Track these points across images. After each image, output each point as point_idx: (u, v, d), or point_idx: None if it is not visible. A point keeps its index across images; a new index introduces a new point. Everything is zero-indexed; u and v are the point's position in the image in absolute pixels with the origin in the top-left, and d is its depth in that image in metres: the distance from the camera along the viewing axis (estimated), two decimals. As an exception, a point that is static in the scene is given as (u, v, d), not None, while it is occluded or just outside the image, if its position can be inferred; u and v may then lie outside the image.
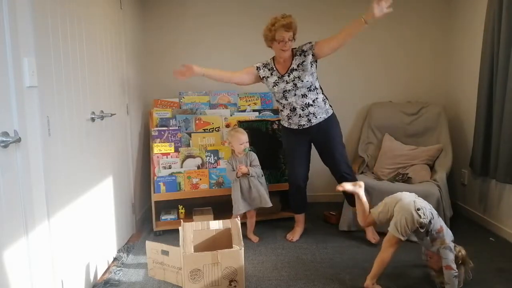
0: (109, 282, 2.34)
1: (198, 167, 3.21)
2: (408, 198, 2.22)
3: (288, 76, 2.73)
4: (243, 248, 2.21)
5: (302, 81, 2.68)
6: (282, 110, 2.86)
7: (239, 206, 2.87)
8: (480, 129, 3.08)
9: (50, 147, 1.77)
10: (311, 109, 2.74)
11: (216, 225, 2.43)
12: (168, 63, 3.67)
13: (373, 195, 2.97)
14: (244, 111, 3.58)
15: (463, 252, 2.22)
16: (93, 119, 2.26)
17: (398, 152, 3.41)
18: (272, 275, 2.44)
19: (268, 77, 2.81)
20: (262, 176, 2.97)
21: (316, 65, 2.72)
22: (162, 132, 3.28)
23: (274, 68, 2.79)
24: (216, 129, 3.41)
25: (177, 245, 2.33)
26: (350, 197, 2.95)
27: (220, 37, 3.69)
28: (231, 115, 3.50)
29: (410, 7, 3.73)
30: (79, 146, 2.10)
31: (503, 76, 2.78)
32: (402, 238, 2.14)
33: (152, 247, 2.40)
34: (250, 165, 2.91)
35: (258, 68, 2.84)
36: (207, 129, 3.41)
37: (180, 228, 2.32)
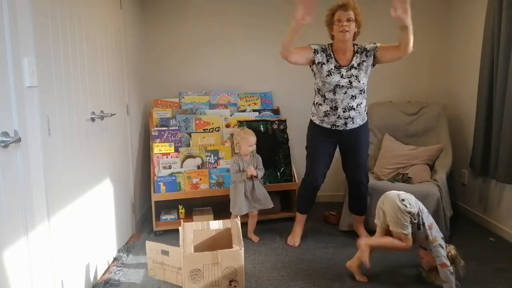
0: (109, 282, 2.34)
1: (198, 167, 3.21)
2: (392, 193, 2.29)
3: (346, 71, 2.57)
4: (243, 248, 2.21)
5: (359, 81, 2.56)
6: (320, 105, 2.68)
7: (242, 207, 2.88)
8: (480, 129, 3.08)
9: (50, 147, 1.77)
10: (352, 113, 2.61)
11: (216, 225, 2.43)
12: (168, 63, 3.67)
13: (373, 195, 2.97)
14: (244, 111, 3.58)
15: (453, 251, 2.24)
16: (93, 119, 2.26)
17: (398, 152, 3.41)
18: (272, 275, 2.44)
19: (323, 63, 2.59)
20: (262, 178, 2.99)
21: (373, 69, 2.63)
22: (162, 132, 3.28)
23: (332, 56, 2.60)
24: (216, 129, 3.41)
25: (177, 245, 2.33)
26: (352, 203, 2.96)
27: (220, 37, 3.69)
28: (231, 115, 3.50)
29: (410, 6, 3.72)
30: (79, 146, 2.10)
31: (503, 76, 2.79)
32: (405, 232, 2.16)
33: (152, 247, 2.40)
34: (256, 168, 2.92)
35: (315, 52, 2.59)
36: (207, 129, 3.41)
37: (180, 228, 2.33)
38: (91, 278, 2.27)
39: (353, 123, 2.66)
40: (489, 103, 2.99)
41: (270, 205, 2.95)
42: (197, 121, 3.40)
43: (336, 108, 2.62)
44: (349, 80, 2.57)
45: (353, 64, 2.59)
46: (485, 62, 3.01)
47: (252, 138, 2.90)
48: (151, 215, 3.14)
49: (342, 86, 2.57)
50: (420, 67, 3.82)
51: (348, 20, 2.49)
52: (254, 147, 2.93)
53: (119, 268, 2.52)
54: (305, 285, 2.33)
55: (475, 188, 3.35)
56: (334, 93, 2.59)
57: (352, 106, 2.61)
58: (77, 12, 2.09)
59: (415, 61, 3.81)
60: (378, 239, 2.30)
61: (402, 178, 3.19)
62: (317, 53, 2.61)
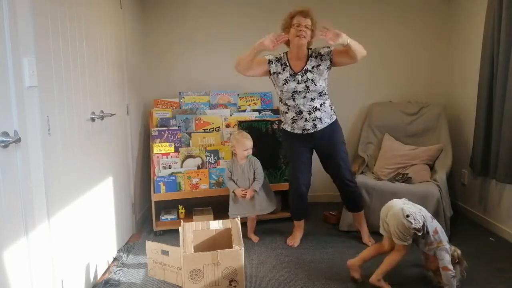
0: (109, 282, 2.34)
1: (198, 167, 3.21)
2: (396, 206, 2.22)
3: (301, 76, 2.63)
4: (243, 248, 2.21)
5: (316, 84, 2.61)
6: (286, 113, 2.75)
7: (232, 211, 2.90)
8: (480, 129, 3.08)
9: (50, 147, 1.77)
10: (317, 113, 2.66)
11: (216, 225, 2.43)
12: (168, 63, 3.67)
13: (373, 195, 2.98)
14: (244, 111, 3.58)
15: (458, 251, 2.24)
16: (93, 119, 2.26)
17: (398, 152, 3.41)
18: (272, 275, 2.44)
19: (279, 73, 2.67)
20: (265, 178, 2.97)
21: (329, 71, 2.68)
22: (162, 132, 3.28)
23: (288, 64, 2.67)
24: (216, 129, 3.41)
25: (177, 245, 2.33)
26: (345, 202, 2.95)
27: (220, 37, 3.69)
28: (231, 115, 3.50)
29: (410, 6, 3.73)
30: (79, 146, 2.10)
31: (503, 76, 2.78)
32: (405, 243, 2.16)
33: (152, 247, 2.40)
34: (254, 173, 2.90)
35: (270, 62, 2.69)
36: (207, 129, 3.41)
37: (180, 228, 2.33)
38: (91, 278, 2.27)
39: (321, 122, 2.70)
40: (489, 103, 2.99)
41: (267, 210, 2.93)
42: (197, 121, 3.40)
43: (301, 113, 2.68)
44: (306, 85, 2.63)
45: (308, 68, 2.65)
46: (485, 62, 3.01)
47: (248, 142, 2.87)
48: (151, 215, 3.14)
49: (300, 91, 2.64)
50: (420, 67, 3.82)
51: (306, 26, 2.55)
52: (250, 151, 2.90)
53: (119, 268, 2.52)
54: (305, 285, 2.33)
55: (475, 188, 3.35)
56: (294, 99, 2.66)
57: (316, 107, 2.67)
58: (77, 12, 2.09)
59: (415, 61, 3.82)
60: (384, 269, 2.25)
61: (402, 178, 3.19)
62: (272, 63, 2.70)
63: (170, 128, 3.34)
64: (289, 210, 3.02)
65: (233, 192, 2.88)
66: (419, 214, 2.17)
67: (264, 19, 3.68)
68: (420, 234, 2.15)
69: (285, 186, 3.30)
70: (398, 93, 3.83)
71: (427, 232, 2.17)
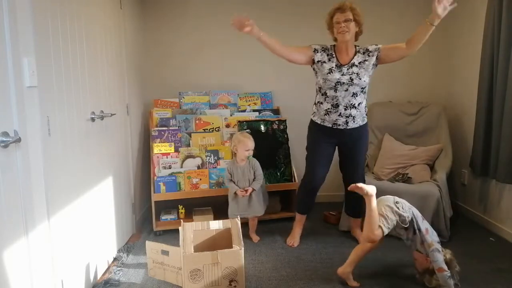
0: (109, 282, 2.34)
1: (198, 167, 3.21)
2: (389, 196, 2.33)
3: (347, 69, 2.60)
4: (243, 248, 2.21)
5: (360, 79, 2.58)
6: (321, 103, 2.69)
7: (233, 211, 2.90)
8: (480, 129, 3.08)
9: (50, 147, 1.77)
10: (353, 111, 2.63)
11: (216, 225, 2.43)
12: (168, 63, 3.67)
13: (373, 195, 2.97)
14: (244, 111, 3.58)
15: (449, 255, 2.23)
16: (93, 119, 2.26)
17: (398, 152, 3.41)
18: (272, 275, 2.44)
19: (324, 62, 2.63)
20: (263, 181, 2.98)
21: (375, 69, 2.66)
22: (162, 132, 3.28)
23: (334, 55, 2.64)
24: (216, 129, 3.41)
25: (177, 245, 2.33)
26: (348, 206, 2.96)
27: (221, 37, 3.69)
28: (231, 115, 3.50)
29: (410, 6, 3.73)
30: (79, 146, 2.10)
31: (503, 76, 2.79)
32: (383, 228, 2.17)
33: (152, 247, 2.40)
34: (254, 174, 2.90)
35: (315, 51, 2.65)
36: (207, 129, 3.41)
37: (180, 228, 2.33)
38: (91, 278, 2.27)
39: (354, 122, 2.67)
40: (489, 103, 2.99)
41: (260, 213, 2.94)
42: (197, 121, 3.40)
43: (337, 106, 2.63)
44: (350, 77, 2.59)
45: (354, 62, 2.62)
46: (485, 62, 3.01)
47: (250, 143, 2.87)
48: (151, 215, 3.14)
49: (343, 83, 2.59)
50: (420, 67, 3.82)
51: (346, 21, 2.53)
52: (251, 152, 2.90)
53: (119, 268, 2.52)
54: (305, 285, 2.33)
55: (475, 188, 3.35)
56: (335, 90, 2.61)
57: (354, 104, 2.63)
58: (77, 12, 2.09)
59: (415, 61, 3.81)
60: (352, 259, 2.27)
61: (402, 178, 3.19)
62: (317, 52, 2.65)
63: (170, 128, 3.34)
64: (296, 204, 2.99)
65: (234, 193, 2.88)
66: (408, 207, 2.25)
67: (265, 19, 3.68)
68: (404, 225, 2.19)
69: (285, 186, 3.31)
70: (398, 93, 3.83)
71: (419, 230, 2.20)
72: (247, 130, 3.23)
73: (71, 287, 2.00)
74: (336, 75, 2.60)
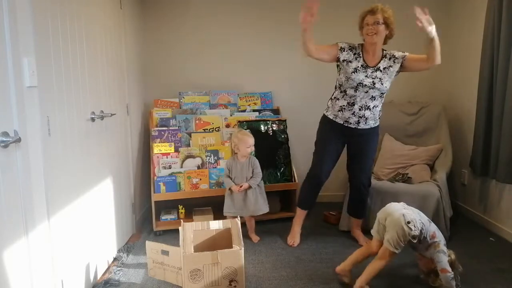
0: (109, 282, 2.34)
1: (198, 167, 3.21)
2: (397, 211, 2.18)
3: (372, 72, 2.61)
4: (243, 248, 2.21)
5: (382, 84, 2.59)
6: (337, 99, 2.70)
7: (228, 208, 2.89)
8: (480, 129, 3.08)
9: (50, 147, 1.77)
10: (367, 112, 2.64)
11: (216, 225, 2.43)
12: (168, 63, 3.67)
13: (373, 195, 2.97)
14: (244, 111, 3.58)
15: (453, 256, 2.22)
16: (93, 119, 2.26)
17: (398, 152, 3.41)
18: (272, 275, 2.44)
19: (350, 61, 2.63)
20: (261, 181, 2.97)
21: (397, 76, 2.67)
22: (162, 132, 3.28)
23: (361, 55, 2.64)
24: (216, 129, 3.41)
25: (177, 245, 2.33)
26: (351, 206, 2.96)
27: (220, 37, 3.69)
28: (231, 115, 3.50)
29: (410, 6, 3.72)
30: (79, 146, 2.10)
31: (503, 76, 2.79)
32: (396, 251, 2.14)
33: (152, 247, 2.40)
34: (253, 172, 2.89)
35: (342, 50, 2.64)
36: (207, 129, 3.41)
37: (180, 228, 2.32)
38: (91, 278, 2.27)
39: (365, 123, 2.67)
40: (489, 103, 2.99)
41: (259, 212, 2.91)
42: (197, 121, 3.40)
43: (353, 105, 2.64)
44: (373, 81, 2.60)
45: (380, 67, 2.62)
46: (485, 62, 3.01)
47: (251, 140, 2.88)
48: (151, 215, 3.14)
49: (365, 85, 2.60)
50: (420, 67, 3.82)
51: (376, 23, 2.53)
52: (253, 148, 2.90)
53: (119, 268, 2.52)
54: (305, 285, 2.33)
55: (475, 188, 3.35)
56: (356, 90, 2.62)
57: (369, 106, 2.64)
58: (77, 12, 2.09)
59: (415, 61, 3.82)
60: (368, 274, 2.21)
61: (402, 178, 3.19)
62: (343, 51, 2.65)
63: (170, 128, 3.34)
64: (298, 199, 2.98)
65: (229, 189, 2.88)
66: (419, 221, 2.15)
67: (265, 19, 3.69)
68: (415, 241, 2.13)
69: (285, 186, 3.31)
70: (398, 93, 3.82)
71: (424, 238, 2.17)
72: (248, 130, 3.23)
73: (71, 287, 2.00)
74: (360, 76, 2.60)
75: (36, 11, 1.65)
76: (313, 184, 2.85)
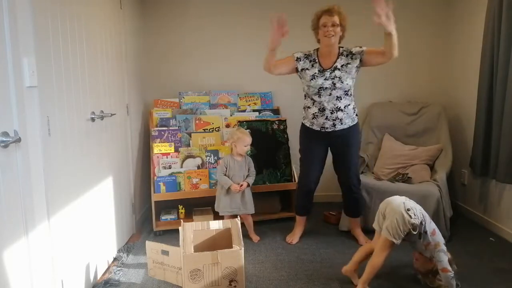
0: (109, 282, 2.34)
1: (198, 167, 3.21)
2: (397, 200, 2.20)
3: (330, 73, 2.63)
4: (243, 248, 2.21)
5: (342, 82, 2.61)
6: (309, 108, 2.74)
7: (225, 206, 2.86)
8: (480, 129, 3.08)
9: (50, 147, 1.77)
10: (340, 114, 2.65)
11: (216, 225, 2.43)
12: (168, 63, 3.67)
13: (373, 195, 2.98)
14: (244, 111, 3.58)
15: (449, 255, 2.21)
16: (93, 119, 2.26)
17: (398, 152, 3.41)
18: (272, 275, 2.44)
19: (307, 69, 2.68)
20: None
21: (359, 71, 2.67)
22: (162, 132, 3.28)
23: (317, 61, 2.68)
24: (216, 129, 3.41)
25: (177, 245, 2.33)
26: (345, 206, 2.96)
27: (220, 37, 3.69)
28: (231, 115, 3.50)
29: (410, 6, 3.73)
30: (79, 146, 2.10)
31: (503, 76, 2.79)
32: (395, 241, 2.11)
33: (152, 247, 2.40)
34: (248, 171, 2.91)
35: (298, 59, 2.70)
36: (207, 129, 3.41)
37: (180, 228, 2.33)
38: (91, 278, 2.27)
39: (341, 124, 2.69)
40: (489, 103, 2.99)
41: (252, 211, 2.92)
42: (197, 121, 3.40)
43: (323, 110, 2.67)
44: (333, 82, 2.62)
45: (337, 66, 2.64)
46: (485, 62, 3.01)
47: (248, 138, 2.88)
48: (151, 215, 3.14)
49: (326, 88, 2.63)
50: (420, 67, 3.82)
51: (333, 25, 2.54)
52: (249, 147, 2.91)
53: (119, 268, 2.52)
54: (305, 285, 2.33)
55: (475, 188, 3.35)
56: (319, 95, 2.66)
57: (339, 107, 2.65)
58: (77, 12, 2.09)
59: (415, 61, 3.82)
60: (369, 273, 2.21)
61: (402, 178, 3.19)
62: (300, 60, 2.71)
63: (170, 128, 3.34)
64: (294, 206, 3.03)
65: (228, 187, 2.84)
66: (419, 211, 2.17)
67: (265, 19, 3.67)
68: (415, 232, 2.11)
69: (285, 186, 3.31)
70: (398, 93, 3.83)
71: (425, 232, 2.16)
72: (248, 130, 3.23)
73: (71, 287, 2.00)
74: (319, 81, 2.64)
75: (36, 11, 1.65)
76: (304, 192, 2.89)
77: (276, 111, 3.60)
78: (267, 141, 3.34)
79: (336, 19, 2.54)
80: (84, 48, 2.17)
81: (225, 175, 2.88)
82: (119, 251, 2.73)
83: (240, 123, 3.35)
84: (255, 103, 3.66)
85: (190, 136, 3.32)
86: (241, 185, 2.83)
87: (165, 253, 2.34)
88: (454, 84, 3.67)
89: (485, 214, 3.21)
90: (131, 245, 2.88)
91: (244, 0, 3.66)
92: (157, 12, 3.62)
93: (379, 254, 2.17)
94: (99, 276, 2.39)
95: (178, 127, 3.37)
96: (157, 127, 3.35)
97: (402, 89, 3.84)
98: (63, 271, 1.89)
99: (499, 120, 2.84)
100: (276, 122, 3.41)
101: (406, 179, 3.18)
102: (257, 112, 3.56)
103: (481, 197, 3.26)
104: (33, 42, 1.62)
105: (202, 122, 3.41)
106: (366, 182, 3.06)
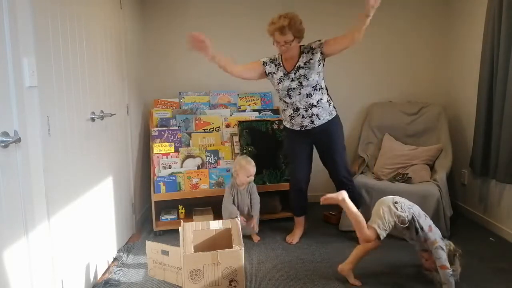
0: (109, 282, 2.34)
1: (198, 167, 3.21)
2: (388, 196, 2.30)
3: (294, 73, 2.66)
4: (243, 248, 2.21)
5: (308, 79, 2.63)
6: (284, 110, 2.80)
7: (232, 212, 2.87)
8: (480, 129, 3.08)
9: (50, 147, 1.77)
10: (314, 110, 2.69)
11: (216, 225, 2.43)
12: (168, 63, 3.67)
13: (373, 195, 2.97)
14: (244, 111, 3.58)
15: (452, 245, 2.24)
16: (93, 119, 2.26)
17: (398, 152, 3.41)
18: (272, 275, 2.44)
19: (274, 73, 2.73)
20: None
21: (323, 64, 2.68)
22: (162, 132, 3.28)
23: (281, 64, 2.72)
24: (216, 129, 3.41)
25: (177, 245, 2.33)
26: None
27: (221, 38, 3.68)
28: (231, 115, 3.50)
29: (410, 6, 3.73)
30: (79, 146, 2.10)
31: (503, 76, 2.78)
32: (378, 231, 2.18)
33: (152, 247, 2.40)
34: (250, 197, 2.93)
35: (264, 64, 2.76)
36: (207, 129, 3.41)
37: (180, 228, 2.33)
38: (91, 278, 2.27)
39: (319, 119, 2.72)
40: (489, 103, 2.99)
41: (256, 230, 2.96)
42: (197, 121, 3.40)
43: (298, 109, 2.71)
44: (299, 81, 2.66)
45: (300, 65, 2.66)
46: (485, 62, 3.01)
47: (252, 169, 2.85)
48: (151, 215, 3.14)
49: (294, 88, 2.68)
50: (420, 67, 3.82)
51: (287, 42, 2.54)
52: (252, 178, 2.89)
53: (119, 268, 2.52)
54: (305, 285, 2.33)
55: (475, 188, 3.35)
56: (290, 96, 2.71)
57: (312, 103, 2.68)
58: (77, 12, 2.09)
59: (415, 61, 3.82)
60: (353, 257, 2.29)
61: (402, 178, 3.19)
62: (266, 65, 2.76)
63: (170, 128, 3.34)
64: (290, 208, 3.05)
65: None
66: (407, 206, 2.22)
67: (265, 19, 3.67)
68: (404, 226, 2.17)
69: (285, 186, 3.30)
70: (398, 93, 3.83)
71: (421, 228, 2.19)
72: (246, 131, 3.24)
73: (71, 287, 2.00)
74: (286, 83, 2.68)
75: (36, 11, 1.65)
76: (296, 192, 2.92)
77: (276, 111, 3.60)
78: (267, 141, 3.35)
79: (288, 36, 2.52)
80: (84, 48, 2.17)
81: (233, 203, 2.90)
82: (119, 251, 2.73)
83: (240, 123, 3.35)
84: (255, 103, 3.66)
85: (190, 136, 3.32)
86: (249, 220, 2.89)
87: (165, 253, 2.34)
88: (454, 84, 3.67)
89: (485, 214, 3.21)
90: (131, 245, 2.88)
91: (244, 1, 3.66)
92: (157, 12, 3.61)
93: (364, 245, 2.26)
94: (99, 276, 2.39)
95: (178, 127, 3.37)
96: (157, 127, 3.35)
97: (402, 89, 3.84)
98: (63, 271, 1.89)
99: (499, 120, 2.84)
100: (276, 122, 3.41)
101: (406, 179, 3.18)
102: (257, 112, 3.56)
103: (481, 197, 3.26)
104: (33, 42, 1.62)
105: (202, 122, 3.41)
106: (366, 182, 3.07)
